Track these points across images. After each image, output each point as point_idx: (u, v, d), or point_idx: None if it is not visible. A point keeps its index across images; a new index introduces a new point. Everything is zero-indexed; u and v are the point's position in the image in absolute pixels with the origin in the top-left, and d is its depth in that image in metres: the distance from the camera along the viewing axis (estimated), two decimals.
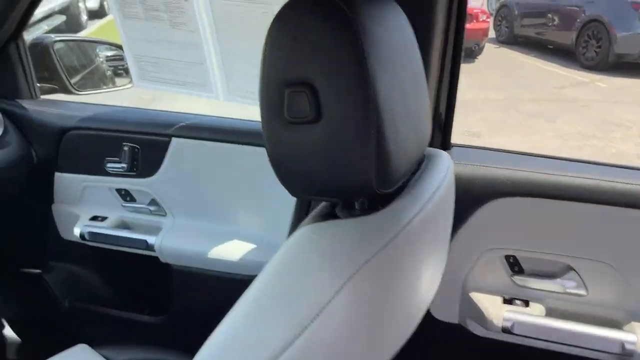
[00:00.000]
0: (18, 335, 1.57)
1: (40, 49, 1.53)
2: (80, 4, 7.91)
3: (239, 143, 1.27)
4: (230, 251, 1.29)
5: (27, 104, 1.46)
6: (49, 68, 1.56)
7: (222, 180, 1.31)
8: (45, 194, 1.46)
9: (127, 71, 2.02)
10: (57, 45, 1.59)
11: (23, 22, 1.38)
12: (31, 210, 1.48)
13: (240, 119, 1.33)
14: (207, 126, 1.33)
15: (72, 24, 7.42)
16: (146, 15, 1.25)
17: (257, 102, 1.33)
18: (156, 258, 1.36)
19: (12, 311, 1.59)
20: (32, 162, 1.42)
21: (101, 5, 9.05)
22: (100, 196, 1.43)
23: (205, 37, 1.23)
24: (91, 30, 8.02)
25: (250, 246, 1.29)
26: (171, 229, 1.37)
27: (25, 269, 1.54)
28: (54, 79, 1.59)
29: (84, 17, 8.05)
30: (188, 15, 1.21)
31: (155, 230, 1.38)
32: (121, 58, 2.00)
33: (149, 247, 1.35)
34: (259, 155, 1.24)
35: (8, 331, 1.57)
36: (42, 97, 1.53)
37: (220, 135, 1.29)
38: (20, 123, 1.42)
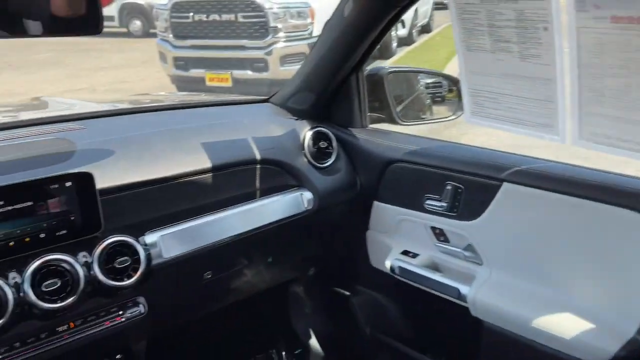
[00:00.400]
0: (322, 349, 1.65)
1: (375, 80, 1.58)
2: (392, 32, 8.50)
3: (591, 199, 1.05)
4: (562, 325, 1.08)
5: (357, 133, 1.51)
6: (380, 98, 1.60)
7: (562, 240, 1.10)
8: (363, 221, 1.49)
9: (444, 98, 1.98)
10: (390, 76, 1.63)
11: (367, 55, 1.43)
12: (348, 234, 1.53)
13: (597, 170, 1.11)
14: (550, 174, 1.15)
15: (384, 50, 8.02)
16: (493, 47, 1.14)
17: (616, 150, 1.07)
18: (465, 308, 1.25)
19: (320, 326, 1.68)
20: (356, 189, 1.46)
21: (410, 33, 9.57)
22: (414, 231, 1.39)
23: (562, 72, 1.05)
24: (399, 56, 8.55)
25: (588, 325, 1.05)
26: (486, 281, 1.23)
27: (336, 289, 1.61)
28: (382, 108, 1.63)
29: (394, 44, 8.63)
30: (544, 46, 1.05)
31: (466, 278, 1.27)
32: (440, 85, 1.96)
33: (461, 297, 1.25)
34: (620, 219, 1.00)
35: (314, 342, 1.66)
36: (370, 126, 1.58)
37: (568, 187, 1.09)
38: (350, 151, 1.48)
